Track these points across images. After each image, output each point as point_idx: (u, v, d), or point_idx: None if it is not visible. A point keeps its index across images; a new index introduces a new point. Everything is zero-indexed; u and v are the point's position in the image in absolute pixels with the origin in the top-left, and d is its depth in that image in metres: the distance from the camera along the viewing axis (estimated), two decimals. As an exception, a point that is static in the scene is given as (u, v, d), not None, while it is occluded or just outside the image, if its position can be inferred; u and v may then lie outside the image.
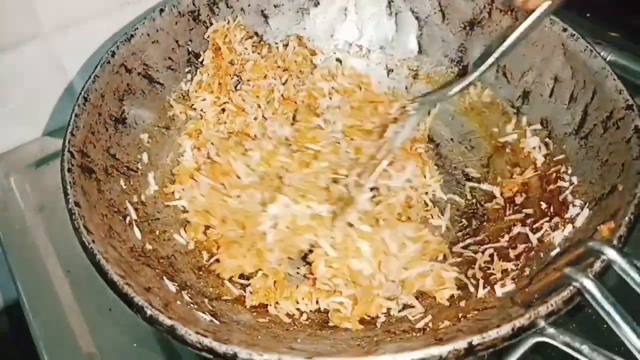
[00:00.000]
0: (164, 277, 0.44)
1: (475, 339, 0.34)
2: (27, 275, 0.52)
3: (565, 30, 0.51)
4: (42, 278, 0.51)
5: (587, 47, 0.50)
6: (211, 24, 0.57)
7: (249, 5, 0.59)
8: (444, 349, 0.34)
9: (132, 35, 0.52)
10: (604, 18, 0.66)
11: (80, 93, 0.47)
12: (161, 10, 0.54)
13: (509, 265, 0.47)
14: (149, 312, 0.36)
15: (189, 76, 0.57)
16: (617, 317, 0.34)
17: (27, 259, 0.53)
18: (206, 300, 0.45)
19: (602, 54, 0.57)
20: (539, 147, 0.53)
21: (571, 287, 0.35)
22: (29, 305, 0.50)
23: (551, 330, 0.36)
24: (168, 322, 0.35)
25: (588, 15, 0.66)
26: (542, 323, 0.35)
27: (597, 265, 0.36)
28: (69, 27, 0.56)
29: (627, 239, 0.38)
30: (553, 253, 0.45)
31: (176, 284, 0.45)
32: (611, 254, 0.35)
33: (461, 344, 0.34)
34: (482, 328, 0.35)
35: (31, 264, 0.52)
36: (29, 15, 0.53)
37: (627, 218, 0.39)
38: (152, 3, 0.59)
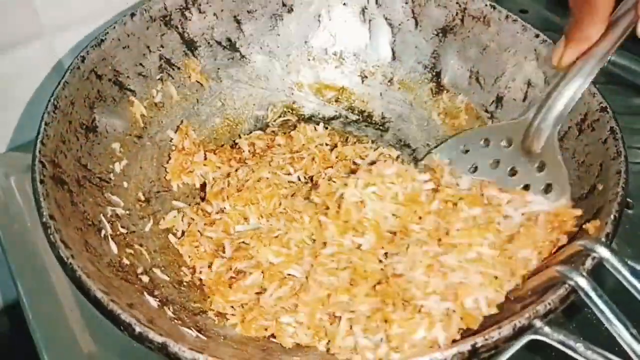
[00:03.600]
0: (145, 293, 0.42)
1: (479, 341, 0.33)
2: (27, 275, 0.51)
3: (537, 36, 0.53)
4: (42, 278, 0.50)
5: (559, 52, 0.51)
6: (183, 29, 0.56)
7: (222, 11, 0.57)
8: (448, 353, 0.33)
9: (102, 40, 0.49)
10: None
11: (50, 100, 0.44)
12: (132, 15, 0.52)
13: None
14: (137, 328, 0.34)
15: (159, 84, 0.55)
16: (610, 315, 0.34)
17: (27, 259, 0.52)
18: (190, 315, 0.43)
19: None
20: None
21: (566, 286, 0.36)
22: (29, 305, 0.49)
23: (546, 329, 0.36)
24: (159, 339, 0.33)
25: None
26: (539, 322, 0.35)
27: (589, 263, 0.37)
28: (69, 27, 0.56)
29: (614, 236, 0.39)
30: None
31: (157, 300, 0.43)
32: (603, 252, 0.36)
33: (465, 347, 0.33)
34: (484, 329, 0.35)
35: (31, 264, 0.51)
36: (29, 15, 0.53)
37: (612, 216, 0.39)
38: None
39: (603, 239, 0.38)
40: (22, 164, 0.59)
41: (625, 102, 0.60)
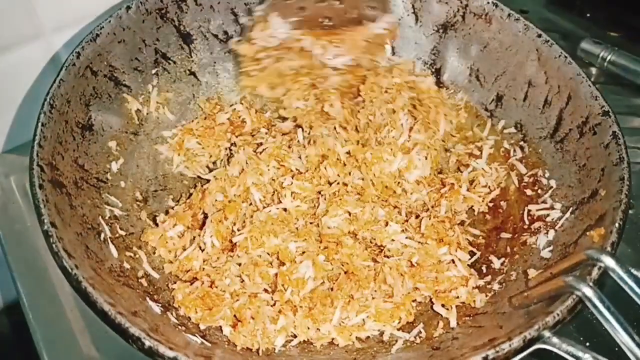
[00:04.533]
0: (147, 298, 0.42)
1: (491, 353, 0.34)
2: (27, 275, 0.50)
3: (539, 36, 0.52)
4: (42, 278, 0.50)
5: (561, 53, 0.51)
6: (179, 22, 0.54)
7: (219, 3, 0.56)
8: (460, 366, 0.33)
9: (97, 35, 0.47)
10: (604, 18, 0.67)
11: (46, 99, 0.42)
12: (127, 8, 0.50)
13: (494, 270, 0.48)
14: (147, 342, 0.33)
15: (155, 79, 0.54)
16: (616, 324, 0.35)
17: (27, 259, 0.51)
18: (193, 321, 0.43)
19: (602, 54, 0.59)
20: (515, 151, 0.54)
21: (573, 296, 0.36)
22: (29, 305, 0.48)
23: (554, 339, 0.36)
24: (170, 353, 0.33)
25: (588, 15, 0.67)
26: (548, 332, 0.36)
27: (595, 273, 0.37)
28: (69, 27, 0.55)
29: (618, 244, 0.40)
30: (538, 257, 0.46)
31: (160, 305, 0.42)
32: (609, 261, 0.37)
33: (476, 359, 0.34)
34: (492, 339, 0.35)
35: (31, 264, 0.51)
36: (29, 15, 0.52)
37: (617, 224, 0.40)
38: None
39: (608, 249, 0.39)
40: (22, 164, 0.57)
41: (625, 102, 0.60)
